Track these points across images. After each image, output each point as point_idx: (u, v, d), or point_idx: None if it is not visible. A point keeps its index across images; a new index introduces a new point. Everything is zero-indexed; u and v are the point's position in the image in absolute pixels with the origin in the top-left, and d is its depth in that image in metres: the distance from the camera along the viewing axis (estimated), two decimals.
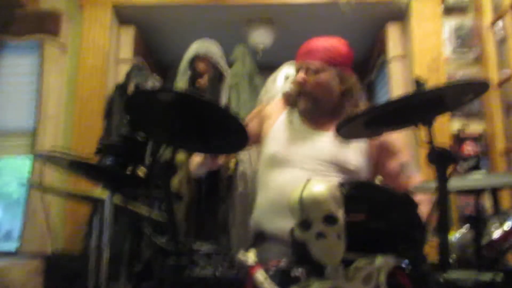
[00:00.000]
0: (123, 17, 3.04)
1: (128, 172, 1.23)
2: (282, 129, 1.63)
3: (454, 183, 1.15)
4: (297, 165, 1.52)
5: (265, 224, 1.52)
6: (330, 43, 1.58)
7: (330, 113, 1.58)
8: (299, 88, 1.59)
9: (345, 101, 1.58)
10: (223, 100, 2.31)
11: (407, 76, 2.86)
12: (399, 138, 1.60)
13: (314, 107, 1.59)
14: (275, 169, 1.55)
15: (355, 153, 1.53)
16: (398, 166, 1.56)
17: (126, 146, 1.19)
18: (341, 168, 1.50)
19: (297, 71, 1.60)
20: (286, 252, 1.03)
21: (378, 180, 1.66)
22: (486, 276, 0.92)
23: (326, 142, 1.53)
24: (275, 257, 1.03)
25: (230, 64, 2.59)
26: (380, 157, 1.58)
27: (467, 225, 1.27)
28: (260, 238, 1.54)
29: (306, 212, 0.92)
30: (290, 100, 1.66)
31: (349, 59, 1.61)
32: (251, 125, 1.68)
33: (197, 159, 1.67)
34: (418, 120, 1.08)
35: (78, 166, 1.40)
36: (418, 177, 1.56)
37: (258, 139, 1.70)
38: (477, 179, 1.26)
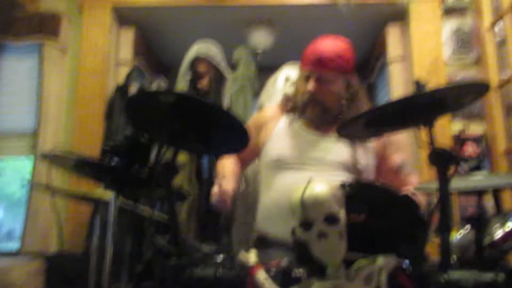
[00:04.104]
0: (123, 18, 3.05)
1: (133, 173, 1.23)
2: (284, 133, 1.60)
3: (456, 183, 1.16)
4: (302, 167, 1.50)
5: (270, 228, 1.50)
6: (340, 51, 1.52)
7: (335, 118, 1.57)
8: (310, 97, 1.54)
9: (349, 105, 1.56)
10: (225, 101, 2.30)
11: (407, 77, 2.86)
12: (400, 139, 1.60)
13: (322, 114, 1.56)
14: (279, 172, 1.53)
15: (362, 153, 1.53)
16: (396, 164, 1.56)
17: (131, 147, 1.19)
18: (348, 168, 1.50)
19: (307, 78, 1.54)
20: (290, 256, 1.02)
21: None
22: (488, 277, 0.92)
23: (331, 144, 1.51)
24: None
25: (230, 66, 2.59)
26: (381, 155, 1.58)
27: (469, 226, 1.27)
28: (263, 242, 1.52)
29: (307, 212, 0.92)
30: (296, 107, 1.62)
31: (354, 63, 1.59)
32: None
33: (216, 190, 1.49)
34: (419, 121, 1.08)
35: (84, 166, 1.40)
36: (415, 178, 1.56)
37: (256, 152, 1.67)
38: (478, 179, 1.26)
